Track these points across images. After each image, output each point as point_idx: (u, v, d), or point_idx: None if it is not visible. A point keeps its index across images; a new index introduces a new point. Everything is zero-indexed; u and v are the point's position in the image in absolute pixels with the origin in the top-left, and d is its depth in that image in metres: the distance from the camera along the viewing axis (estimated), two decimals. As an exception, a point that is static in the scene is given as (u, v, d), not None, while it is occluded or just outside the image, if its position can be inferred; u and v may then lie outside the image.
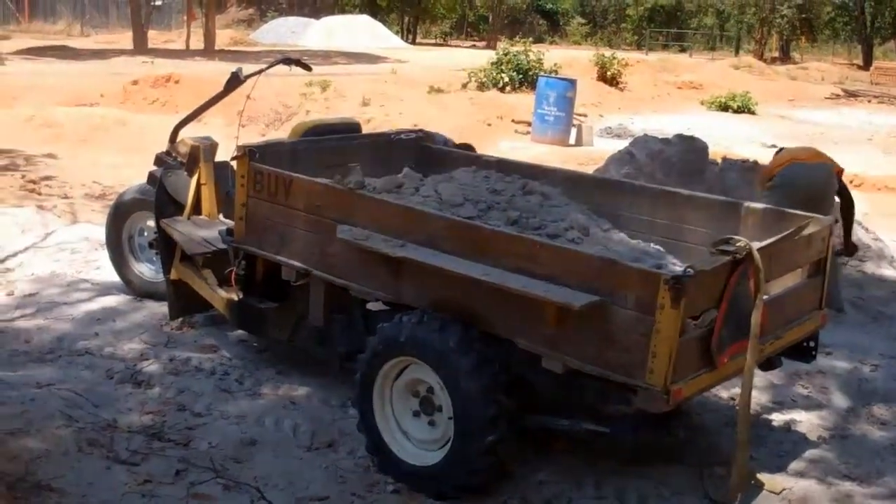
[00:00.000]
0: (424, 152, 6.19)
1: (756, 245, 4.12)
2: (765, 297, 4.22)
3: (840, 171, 6.94)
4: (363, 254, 4.52)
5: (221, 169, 6.09)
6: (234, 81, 6.11)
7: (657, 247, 4.96)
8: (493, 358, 4.15)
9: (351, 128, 6.19)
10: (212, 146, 6.08)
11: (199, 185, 6.03)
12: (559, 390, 4.22)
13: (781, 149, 7.35)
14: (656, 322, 3.68)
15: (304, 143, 5.73)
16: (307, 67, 6.55)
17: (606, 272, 3.84)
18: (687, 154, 8.24)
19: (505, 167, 5.69)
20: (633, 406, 3.88)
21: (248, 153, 5.09)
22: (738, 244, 4.03)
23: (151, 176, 6.42)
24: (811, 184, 6.89)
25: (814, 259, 4.76)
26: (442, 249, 4.30)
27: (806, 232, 4.60)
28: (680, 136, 8.66)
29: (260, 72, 6.17)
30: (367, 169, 5.21)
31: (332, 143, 5.83)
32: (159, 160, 6.39)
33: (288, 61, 6.43)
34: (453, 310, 4.26)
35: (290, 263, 4.97)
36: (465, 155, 6.12)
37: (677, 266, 4.46)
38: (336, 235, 4.59)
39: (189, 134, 6.34)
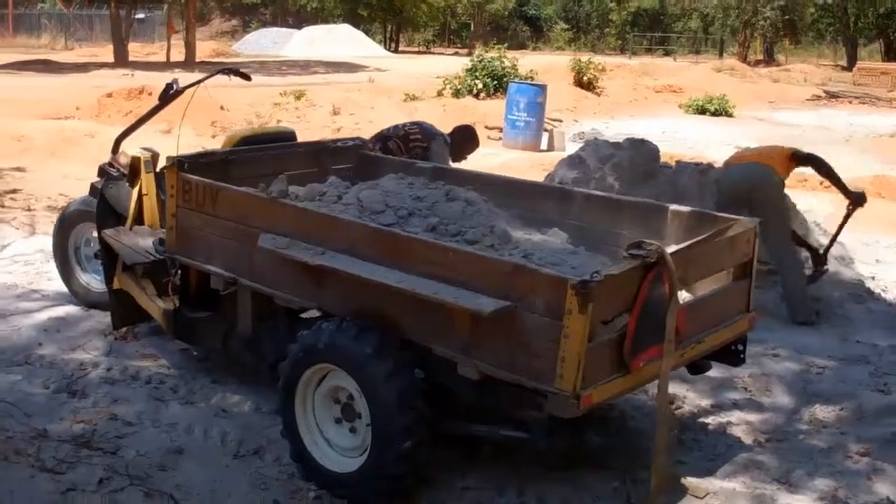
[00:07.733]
0: (362, 160, 6.21)
1: (670, 248, 4.12)
2: (684, 300, 4.22)
3: (790, 156, 7.16)
4: (285, 262, 4.53)
5: (163, 179, 6.09)
6: (173, 93, 6.15)
7: (585, 252, 4.89)
8: (410, 364, 4.16)
9: (286, 136, 6.22)
10: (153, 157, 6.09)
11: (140, 195, 6.05)
12: (476, 396, 4.23)
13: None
14: (564, 327, 3.68)
15: (237, 152, 5.75)
16: (247, 77, 6.55)
17: (516, 277, 3.84)
18: (637, 158, 8.24)
19: (438, 175, 5.71)
20: (545, 411, 3.88)
21: (177, 163, 5.11)
22: (649, 248, 4.01)
23: (94, 187, 6.45)
24: (734, 185, 7.07)
25: (739, 262, 4.75)
26: (361, 257, 4.30)
27: (728, 234, 4.60)
28: (630, 140, 8.66)
29: (198, 83, 6.19)
30: (303, 178, 5.22)
31: (266, 152, 5.85)
32: (102, 171, 6.40)
33: (227, 71, 6.45)
34: (372, 317, 4.27)
35: (218, 272, 5.00)
36: (401, 162, 6.15)
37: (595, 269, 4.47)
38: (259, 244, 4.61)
39: (156, 144, 6.36)
